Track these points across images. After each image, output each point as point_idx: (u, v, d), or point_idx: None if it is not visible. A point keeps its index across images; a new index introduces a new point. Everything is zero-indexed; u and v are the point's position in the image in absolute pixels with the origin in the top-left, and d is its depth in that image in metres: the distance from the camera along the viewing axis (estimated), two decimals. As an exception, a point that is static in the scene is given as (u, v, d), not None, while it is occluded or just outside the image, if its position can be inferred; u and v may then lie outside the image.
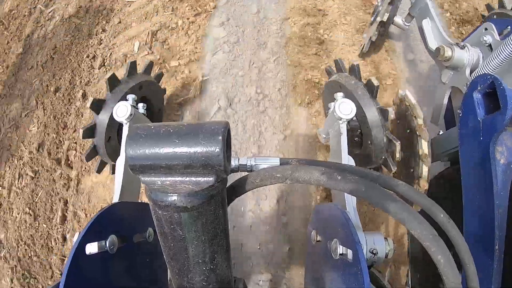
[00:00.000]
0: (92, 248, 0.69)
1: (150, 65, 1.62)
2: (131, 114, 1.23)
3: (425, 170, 1.32)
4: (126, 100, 1.36)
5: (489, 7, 1.80)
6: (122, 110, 1.23)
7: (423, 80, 2.05)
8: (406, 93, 1.41)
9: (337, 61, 1.56)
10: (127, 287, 0.81)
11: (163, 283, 0.97)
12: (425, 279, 1.36)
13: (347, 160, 1.14)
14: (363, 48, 2.01)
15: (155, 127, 0.45)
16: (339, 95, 1.30)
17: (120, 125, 1.41)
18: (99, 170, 1.53)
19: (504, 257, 0.83)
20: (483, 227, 0.87)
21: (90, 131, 1.37)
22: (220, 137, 0.42)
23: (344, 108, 1.20)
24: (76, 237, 0.71)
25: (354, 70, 1.42)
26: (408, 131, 1.41)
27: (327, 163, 0.85)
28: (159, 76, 1.75)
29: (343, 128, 1.21)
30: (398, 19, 1.81)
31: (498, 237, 0.82)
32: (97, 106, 1.35)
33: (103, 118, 1.36)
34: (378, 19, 1.78)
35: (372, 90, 1.32)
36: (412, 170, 1.40)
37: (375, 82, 1.30)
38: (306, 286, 0.96)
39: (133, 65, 1.50)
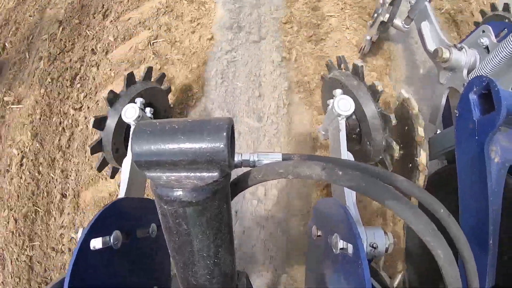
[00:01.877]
0: (96, 243, 0.70)
1: (149, 71, 1.63)
2: (139, 116, 1.27)
3: (421, 178, 1.35)
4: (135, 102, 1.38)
5: (482, 12, 1.83)
6: (130, 112, 1.28)
7: (421, 80, 2.07)
8: (410, 96, 1.42)
9: (339, 58, 1.55)
10: (130, 282, 0.82)
11: (166, 278, 0.98)
12: (421, 273, 1.37)
13: (346, 156, 1.15)
14: (364, 48, 2.02)
15: (160, 124, 0.45)
16: (338, 91, 1.30)
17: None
18: (100, 168, 1.53)
19: (498, 252, 0.85)
20: (478, 224, 0.90)
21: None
22: (225, 133, 0.43)
23: (343, 105, 1.21)
24: (80, 233, 0.72)
25: (357, 71, 1.40)
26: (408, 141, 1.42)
27: (329, 158, 0.86)
28: (162, 77, 1.77)
29: (342, 125, 1.22)
30: (397, 21, 1.84)
31: (492, 233, 0.85)
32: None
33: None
34: (380, 18, 1.80)
35: (375, 93, 1.32)
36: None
37: (379, 88, 1.30)
38: (307, 280, 0.97)
39: (130, 75, 1.50)
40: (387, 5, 1.72)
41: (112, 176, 1.58)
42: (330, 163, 0.59)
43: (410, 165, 1.41)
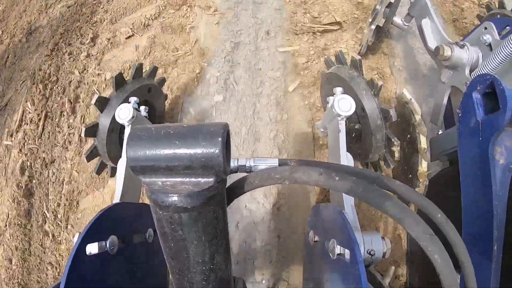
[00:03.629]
0: (92, 248, 0.69)
1: (154, 70, 1.64)
2: (133, 116, 1.24)
3: (424, 164, 1.33)
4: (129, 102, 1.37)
5: (488, 7, 1.82)
6: (124, 112, 1.24)
7: (422, 79, 2.05)
8: (404, 91, 1.41)
9: (338, 55, 1.51)
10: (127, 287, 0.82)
11: (163, 284, 0.98)
12: (423, 279, 1.36)
13: (346, 157, 1.13)
14: (361, 48, 2.01)
15: (156, 129, 0.45)
16: (338, 90, 1.26)
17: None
18: (98, 172, 1.53)
19: (503, 257, 0.83)
20: (482, 227, 0.87)
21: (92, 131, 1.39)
22: (220, 139, 0.42)
23: (343, 104, 1.17)
24: (76, 238, 0.71)
25: (355, 65, 1.39)
26: (408, 136, 1.42)
27: (326, 163, 0.85)
28: (162, 81, 1.78)
29: (342, 125, 1.18)
30: (397, 19, 1.81)
31: (496, 238, 0.82)
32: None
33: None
34: (375, 23, 1.79)
35: (373, 87, 1.30)
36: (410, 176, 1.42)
37: (379, 83, 1.29)
38: (304, 286, 0.96)
39: (140, 67, 1.52)
40: (384, 8, 1.70)
41: (112, 175, 1.58)
42: (327, 168, 0.59)
43: (410, 175, 1.41)
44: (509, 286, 0.86)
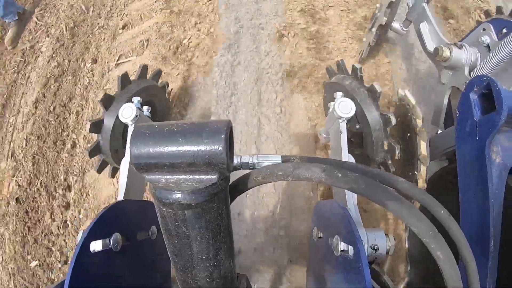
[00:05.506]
0: (96, 246, 0.70)
1: (145, 68, 1.65)
2: (136, 116, 1.25)
3: (423, 169, 1.34)
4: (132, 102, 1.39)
5: (487, 13, 1.82)
6: (127, 112, 1.26)
7: (421, 82, 2.06)
8: (406, 92, 1.42)
9: (339, 63, 1.57)
10: (131, 284, 0.82)
11: (167, 281, 0.98)
12: (423, 275, 1.37)
13: (347, 158, 1.15)
14: (362, 53, 2.01)
15: (159, 126, 0.45)
16: (339, 94, 1.31)
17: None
18: (99, 170, 1.53)
19: (499, 255, 0.84)
20: (479, 226, 0.88)
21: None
22: (223, 136, 0.42)
23: (344, 107, 1.21)
24: (80, 235, 0.72)
25: (356, 73, 1.43)
26: (408, 135, 1.42)
27: (329, 160, 0.86)
28: (158, 73, 1.77)
29: (343, 127, 1.22)
30: (396, 24, 1.83)
31: (493, 236, 0.84)
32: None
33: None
34: (377, 22, 1.79)
35: (374, 95, 1.33)
36: (410, 173, 1.43)
37: (378, 88, 1.32)
38: (308, 282, 0.97)
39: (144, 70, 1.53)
40: (385, 8, 1.71)
41: (113, 176, 1.59)
42: (330, 165, 0.59)
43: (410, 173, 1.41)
44: (505, 282, 0.87)
